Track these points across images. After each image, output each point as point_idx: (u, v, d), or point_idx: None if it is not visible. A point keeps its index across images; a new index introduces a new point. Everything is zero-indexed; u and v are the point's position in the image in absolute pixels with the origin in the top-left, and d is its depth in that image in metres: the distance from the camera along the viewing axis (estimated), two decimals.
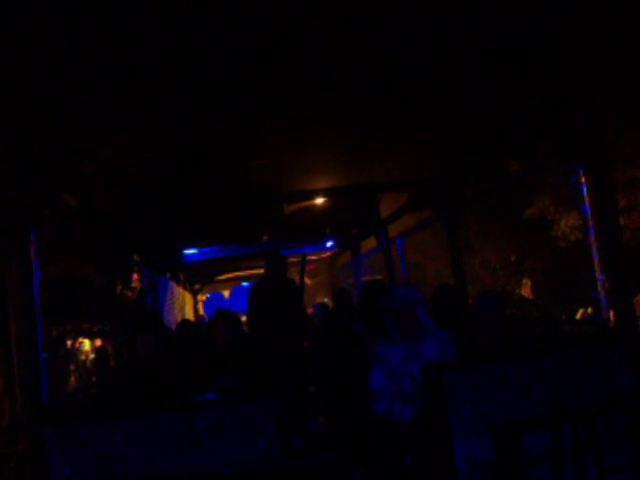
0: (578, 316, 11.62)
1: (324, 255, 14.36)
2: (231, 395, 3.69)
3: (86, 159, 4.43)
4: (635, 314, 3.90)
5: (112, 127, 3.99)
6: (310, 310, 10.77)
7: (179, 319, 10.47)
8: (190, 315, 14.78)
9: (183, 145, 4.60)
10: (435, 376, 3.37)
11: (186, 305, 14.68)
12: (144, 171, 5.02)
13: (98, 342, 10.75)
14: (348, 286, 11.87)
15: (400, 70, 3.68)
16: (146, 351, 4.04)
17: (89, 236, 6.97)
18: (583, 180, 3.96)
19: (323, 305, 9.59)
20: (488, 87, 4.00)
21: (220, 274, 15.10)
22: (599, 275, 3.88)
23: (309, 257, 14.26)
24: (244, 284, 17.41)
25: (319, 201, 7.76)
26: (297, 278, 7.73)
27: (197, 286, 16.42)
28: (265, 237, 8.77)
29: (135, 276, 9.78)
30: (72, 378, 9.92)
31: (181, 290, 13.70)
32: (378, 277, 9.35)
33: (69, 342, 10.00)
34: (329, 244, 11.07)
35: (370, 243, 10.53)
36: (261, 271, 13.41)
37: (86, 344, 10.73)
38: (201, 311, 17.81)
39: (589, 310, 10.73)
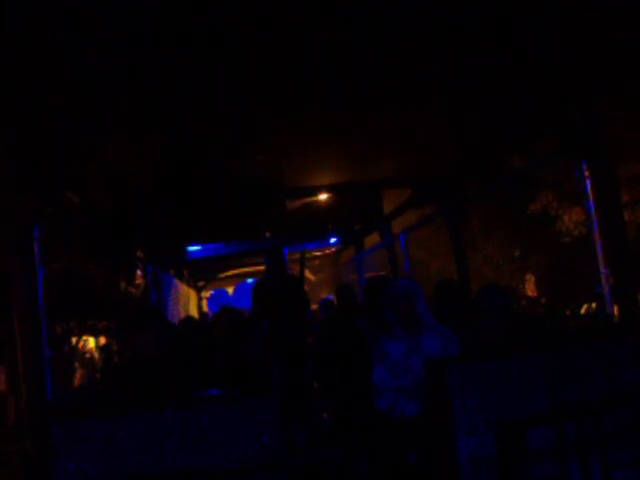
0: (582, 311, 11.61)
1: (328, 251, 14.36)
2: (234, 391, 3.70)
3: (89, 157, 4.44)
4: None
5: (114, 126, 4.00)
6: (315, 306, 10.75)
7: (183, 316, 10.48)
8: (194, 312, 14.80)
9: (185, 142, 4.60)
10: (438, 371, 3.36)
11: (190, 302, 14.71)
12: (147, 168, 5.02)
13: (102, 339, 10.77)
14: (352, 282, 11.86)
15: (401, 68, 3.67)
16: (147, 349, 4.03)
17: (93, 233, 6.98)
18: (587, 175, 3.95)
19: (328, 301, 9.57)
20: (490, 84, 4.00)
21: (224, 271, 15.12)
22: (603, 269, 3.87)
23: (312, 253, 14.28)
24: (248, 281, 17.42)
25: (322, 197, 7.76)
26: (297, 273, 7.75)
27: (201, 283, 16.44)
28: (268, 234, 8.77)
29: (139, 273, 9.79)
30: (77, 375, 9.94)
31: (185, 287, 13.72)
32: (382, 273, 9.34)
33: (74, 339, 10.02)
34: (332, 240, 11.07)
35: (374, 239, 10.52)
36: (264, 267, 13.43)
37: (90, 341, 10.75)
38: (205, 308, 17.83)
39: (593, 305, 10.71)
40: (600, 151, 3.92)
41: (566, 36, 3.47)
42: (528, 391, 3.30)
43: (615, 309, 3.84)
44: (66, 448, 3.07)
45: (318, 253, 14.69)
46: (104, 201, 5.35)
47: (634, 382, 3.46)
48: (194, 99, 3.81)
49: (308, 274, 18.36)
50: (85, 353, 10.45)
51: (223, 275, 15.78)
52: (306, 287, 8.26)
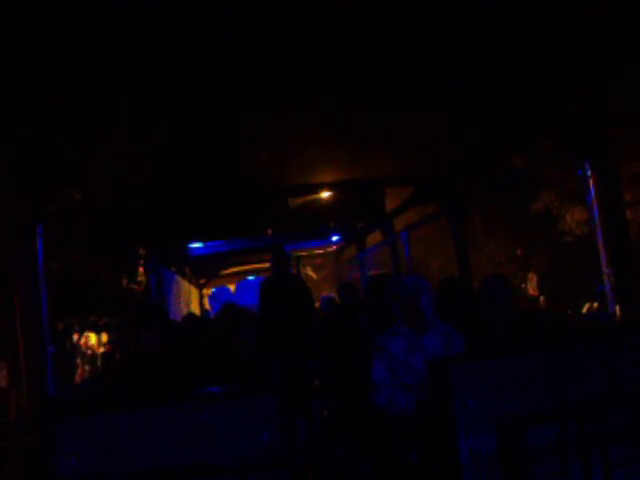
0: (584, 311, 11.60)
1: (329, 249, 14.36)
2: (235, 388, 3.70)
3: (92, 155, 4.45)
4: None
5: (114, 125, 4.00)
6: (317, 304, 10.75)
7: (185, 313, 10.50)
8: (196, 309, 14.82)
9: (188, 140, 4.60)
10: (440, 369, 3.36)
11: (192, 299, 14.72)
12: (149, 166, 5.02)
13: (104, 336, 10.80)
14: (354, 280, 11.86)
15: (401, 67, 3.67)
16: (151, 344, 4.06)
17: (95, 230, 6.99)
18: (589, 174, 3.95)
19: (330, 299, 9.55)
20: (490, 84, 3.99)
21: (225, 268, 15.13)
22: (605, 268, 3.87)
23: (314, 251, 14.29)
24: (250, 278, 17.44)
25: (324, 195, 7.77)
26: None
27: (203, 280, 16.44)
28: (270, 231, 8.78)
29: (141, 270, 9.81)
30: (79, 371, 9.97)
31: (187, 284, 13.74)
32: (384, 271, 9.34)
33: (76, 336, 10.05)
34: (334, 238, 11.07)
35: (376, 237, 10.52)
36: (266, 265, 13.44)
37: (92, 338, 10.78)
38: (207, 305, 17.84)
39: (595, 305, 10.71)
40: (603, 150, 3.91)
41: (566, 36, 3.47)
42: (529, 390, 3.29)
43: (617, 308, 3.84)
44: (67, 444, 3.08)
45: (320, 251, 14.70)
46: (106, 199, 5.36)
47: (635, 381, 3.46)
48: (194, 99, 3.81)
49: (310, 272, 18.38)
50: (87, 349, 10.47)
51: (225, 272, 15.79)
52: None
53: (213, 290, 18.94)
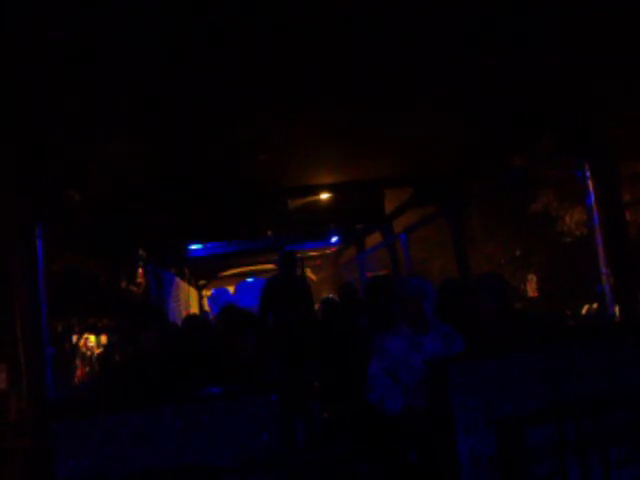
0: (583, 311, 11.60)
1: (329, 251, 14.36)
2: (234, 388, 3.70)
3: (91, 156, 4.45)
4: None
5: (114, 126, 4.01)
6: (318, 306, 10.73)
7: (184, 314, 10.50)
8: (195, 310, 14.81)
9: (187, 141, 4.60)
10: (440, 369, 3.37)
11: (191, 300, 14.72)
12: (149, 167, 5.03)
13: (104, 337, 10.79)
14: (353, 281, 11.86)
15: (401, 67, 3.68)
16: (151, 346, 4.06)
17: (94, 231, 7.00)
18: (588, 174, 3.95)
19: (329, 300, 9.54)
20: (492, 83, 4.00)
21: (225, 270, 15.13)
22: (604, 269, 3.87)
23: (313, 253, 14.29)
24: (249, 280, 17.44)
25: (323, 196, 7.77)
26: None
27: (202, 282, 16.44)
28: (269, 232, 8.78)
29: (140, 271, 9.80)
30: (79, 372, 9.96)
31: (186, 286, 13.73)
32: (384, 272, 9.33)
33: (75, 337, 10.04)
34: (334, 239, 11.07)
35: (375, 239, 10.52)
36: (266, 266, 13.44)
37: (91, 339, 10.77)
38: (206, 307, 17.84)
39: (594, 306, 10.71)
40: (602, 151, 3.92)
41: (566, 36, 3.47)
42: (528, 390, 3.30)
43: (616, 309, 3.84)
44: (67, 445, 3.08)
45: (319, 252, 14.69)
46: (105, 200, 5.36)
47: (635, 381, 3.46)
48: (194, 99, 3.81)
49: (309, 273, 18.38)
50: (87, 351, 10.47)
51: (224, 274, 15.79)
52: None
53: (212, 291, 18.95)
